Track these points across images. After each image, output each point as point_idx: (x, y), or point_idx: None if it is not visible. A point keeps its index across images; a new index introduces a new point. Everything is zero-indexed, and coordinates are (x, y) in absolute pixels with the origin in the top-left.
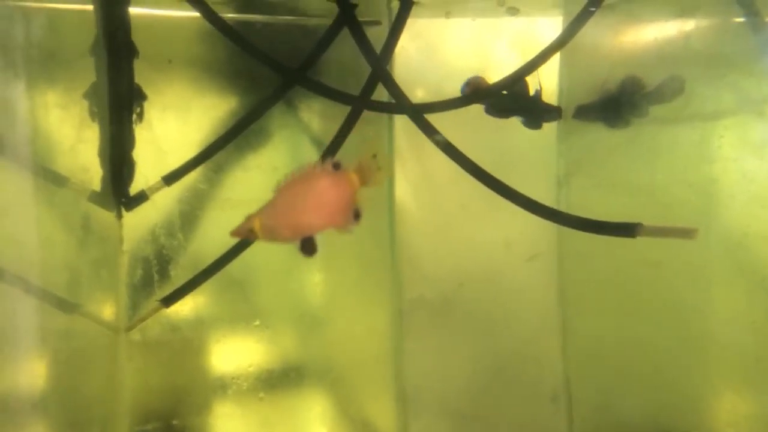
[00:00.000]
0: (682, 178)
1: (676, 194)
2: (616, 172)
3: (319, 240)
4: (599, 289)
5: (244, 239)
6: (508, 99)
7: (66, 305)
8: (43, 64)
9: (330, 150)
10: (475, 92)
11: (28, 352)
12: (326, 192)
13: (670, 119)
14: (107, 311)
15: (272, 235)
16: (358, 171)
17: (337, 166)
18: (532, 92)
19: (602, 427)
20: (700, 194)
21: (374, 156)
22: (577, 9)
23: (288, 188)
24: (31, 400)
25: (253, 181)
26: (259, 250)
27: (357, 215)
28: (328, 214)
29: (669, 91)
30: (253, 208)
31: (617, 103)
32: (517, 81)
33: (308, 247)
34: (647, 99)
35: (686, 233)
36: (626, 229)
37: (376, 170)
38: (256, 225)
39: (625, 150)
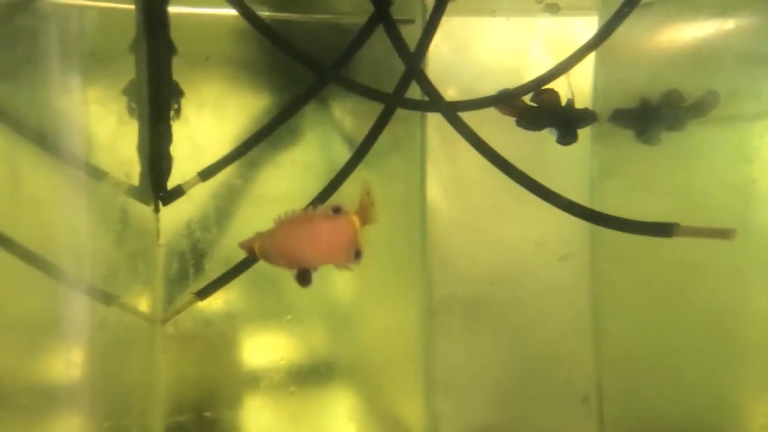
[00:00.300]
0: (721, 179)
1: (714, 195)
2: (652, 172)
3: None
4: (633, 290)
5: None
6: (540, 110)
7: (105, 297)
8: (84, 61)
9: (362, 149)
10: (510, 90)
11: (69, 342)
12: (327, 234)
13: (708, 120)
14: (144, 303)
15: (269, 260)
16: (359, 212)
17: (337, 211)
18: (564, 102)
19: (634, 429)
20: (739, 195)
21: (368, 193)
22: (613, 9)
23: (289, 223)
24: (71, 388)
25: (286, 177)
26: None
27: (358, 254)
28: (328, 254)
29: (707, 105)
30: (285, 204)
31: (655, 116)
32: (550, 80)
33: (304, 278)
34: (686, 113)
35: (724, 234)
36: (662, 229)
37: (371, 207)
38: (256, 246)
39: (661, 151)
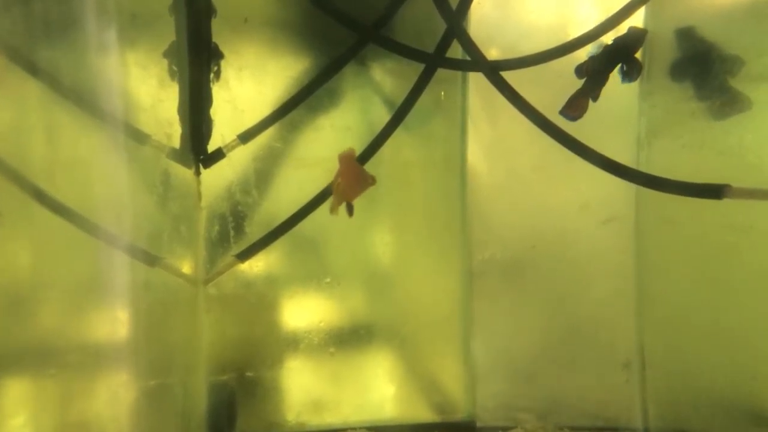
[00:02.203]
0: None
1: None
2: (702, 132)
3: (392, 200)
4: (680, 254)
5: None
6: (594, 73)
7: (149, 258)
8: (125, 24)
9: (402, 110)
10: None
11: (115, 302)
12: None
13: (763, 77)
14: (186, 265)
15: None
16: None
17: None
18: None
19: (677, 395)
20: None
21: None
22: None
23: None
24: (117, 347)
25: (326, 140)
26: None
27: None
28: None
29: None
30: (325, 167)
31: (708, 69)
32: (598, 36)
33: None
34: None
35: None
36: (712, 191)
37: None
38: None
39: (712, 109)
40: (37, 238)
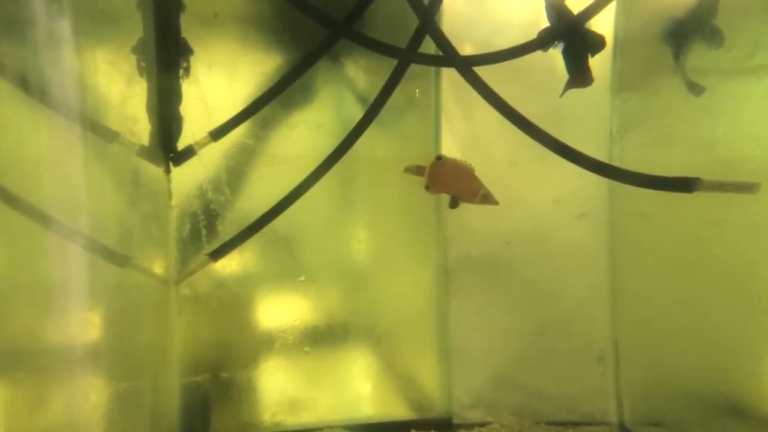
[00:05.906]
0: (746, 131)
1: (739, 149)
2: (673, 126)
3: (366, 197)
4: (653, 248)
5: None
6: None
7: (119, 258)
8: (93, 20)
9: (375, 106)
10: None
11: (83, 303)
12: None
13: (733, 71)
14: (157, 265)
15: None
16: None
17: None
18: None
19: (651, 388)
20: (764, 148)
21: None
22: None
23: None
24: (87, 349)
25: (298, 137)
26: (305, 206)
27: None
28: None
29: None
30: (299, 164)
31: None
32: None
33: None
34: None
35: (747, 188)
36: (683, 184)
37: None
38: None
39: (684, 103)
40: (3, 239)
